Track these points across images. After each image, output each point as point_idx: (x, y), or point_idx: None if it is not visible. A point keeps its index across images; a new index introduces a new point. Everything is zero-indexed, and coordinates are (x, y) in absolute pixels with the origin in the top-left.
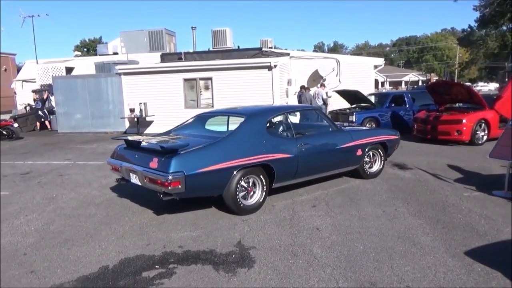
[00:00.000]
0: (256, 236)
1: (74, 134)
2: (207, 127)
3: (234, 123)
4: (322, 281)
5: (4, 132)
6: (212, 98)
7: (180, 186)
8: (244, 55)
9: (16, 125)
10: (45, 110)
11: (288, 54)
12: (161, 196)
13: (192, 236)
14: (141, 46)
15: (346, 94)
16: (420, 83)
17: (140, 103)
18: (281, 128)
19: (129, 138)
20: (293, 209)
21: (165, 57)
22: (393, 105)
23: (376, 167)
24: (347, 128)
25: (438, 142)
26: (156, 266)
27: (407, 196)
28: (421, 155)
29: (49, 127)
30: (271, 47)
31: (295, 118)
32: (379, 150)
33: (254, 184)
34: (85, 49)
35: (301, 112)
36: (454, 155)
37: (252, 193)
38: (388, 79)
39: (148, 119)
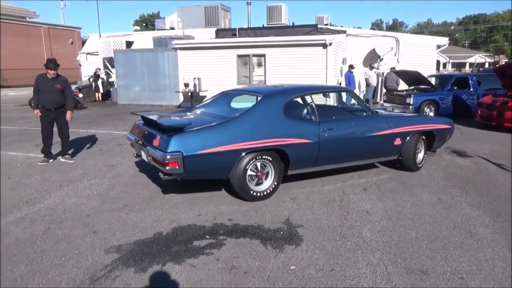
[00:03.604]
0: (304, 215)
1: (132, 106)
2: (232, 105)
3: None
4: (370, 265)
5: None
6: (265, 75)
7: (177, 167)
8: (298, 32)
9: (80, 95)
10: (98, 83)
11: (344, 32)
12: (161, 175)
13: (241, 210)
14: (197, 21)
15: (404, 75)
16: (486, 65)
17: (194, 78)
18: (302, 111)
19: (142, 113)
20: (343, 190)
21: (219, 33)
22: (455, 88)
23: (419, 159)
24: (386, 113)
25: (504, 130)
26: (207, 236)
27: (465, 185)
28: (483, 143)
29: (100, 99)
30: (326, 24)
31: (326, 100)
32: (423, 140)
33: (265, 170)
34: (144, 24)
35: (331, 94)
36: None
37: (263, 179)
38: (451, 60)
39: (201, 94)
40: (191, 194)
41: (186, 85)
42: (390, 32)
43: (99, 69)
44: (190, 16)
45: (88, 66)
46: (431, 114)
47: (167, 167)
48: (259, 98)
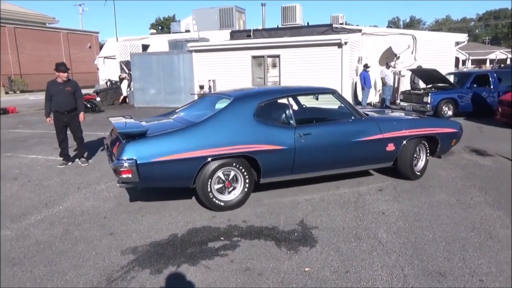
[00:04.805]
0: (319, 216)
1: (148, 108)
2: (216, 107)
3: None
4: (386, 266)
5: (88, 105)
6: (279, 76)
7: (131, 175)
8: (313, 32)
9: (98, 99)
10: (121, 86)
11: (359, 31)
12: (118, 183)
13: (255, 212)
14: (212, 24)
15: (421, 73)
16: (508, 62)
17: (209, 80)
18: (276, 115)
19: (112, 118)
20: (358, 191)
21: (234, 35)
22: (475, 85)
23: (419, 166)
24: (377, 116)
25: None
26: (221, 238)
27: (485, 185)
28: (504, 142)
29: (120, 101)
30: (342, 24)
31: (311, 103)
32: (424, 145)
33: (235, 178)
34: (160, 27)
35: (314, 96)
36: None
37: (230, 187)
38: (471, 57)
39: None
40: None
41: (201, 87)
42: (407, 30)
43: (124, 71)
44: (205, 19)
45: (105, 70)
46: (450, 113)
47: (121, 175)
48: (229, 102)
